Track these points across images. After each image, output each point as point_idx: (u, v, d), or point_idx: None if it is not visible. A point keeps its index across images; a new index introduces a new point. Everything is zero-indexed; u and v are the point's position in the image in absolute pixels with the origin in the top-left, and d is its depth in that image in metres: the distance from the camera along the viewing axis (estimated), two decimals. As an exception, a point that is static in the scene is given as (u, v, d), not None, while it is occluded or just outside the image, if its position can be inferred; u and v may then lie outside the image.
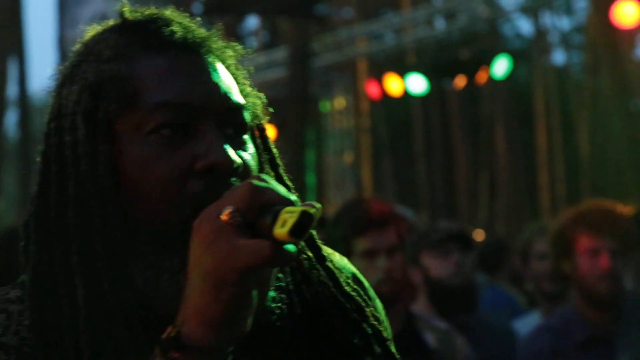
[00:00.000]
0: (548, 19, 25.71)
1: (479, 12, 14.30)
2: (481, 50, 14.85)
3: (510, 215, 24.86)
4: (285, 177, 1.44)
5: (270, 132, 1.48)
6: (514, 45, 29.53)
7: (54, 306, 1.28)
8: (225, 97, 1.33)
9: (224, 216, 1.15)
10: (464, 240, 4.44)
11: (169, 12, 1.40)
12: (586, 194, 23.91)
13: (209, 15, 13.13)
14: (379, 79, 14.90)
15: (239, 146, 1.32)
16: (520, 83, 25.55)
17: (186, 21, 1.40)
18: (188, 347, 1.16)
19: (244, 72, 1.42)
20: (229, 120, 1.33)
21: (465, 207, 25.30)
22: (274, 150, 1.45)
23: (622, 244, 3.70)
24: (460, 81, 14.32)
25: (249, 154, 1.34)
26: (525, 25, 28.49)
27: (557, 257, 3.89)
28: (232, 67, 1.40)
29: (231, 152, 1.28)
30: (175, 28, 1.36)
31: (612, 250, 3.68)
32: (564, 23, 29.05)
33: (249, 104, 1.37)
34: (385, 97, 15.16)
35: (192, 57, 1.35)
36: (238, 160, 1.29)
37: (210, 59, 1.36)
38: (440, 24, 15.62)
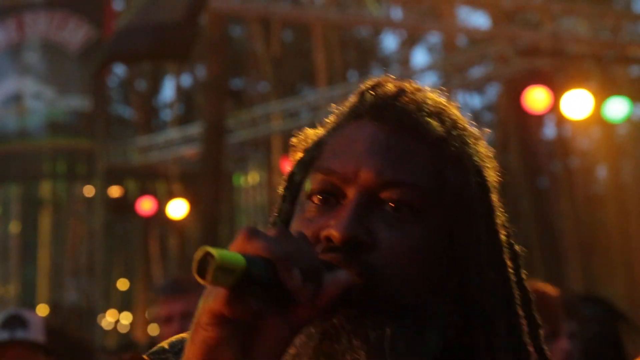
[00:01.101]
0: (460, 96, 26.18)
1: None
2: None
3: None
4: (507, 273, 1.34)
5: (499, 218, 1.36)
6: (426, 122, 30.01)
7: None
8: (377, 172, 1.27)
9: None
10: None
11: (403, 85, 1.36)
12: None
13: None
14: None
15: (393, 224, 1.25)
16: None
17: (413, 91, 1.35)
18: None
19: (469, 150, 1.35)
20: (383, 197, 1.27)
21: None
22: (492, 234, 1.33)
23: (551, 328, 3.70)
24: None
25: (406, 234, 1.25)
26: (437, 103, 28.91)
27: None
28: (427, 142, 1.31)
29: (350, 227, 1.23)
30: (370, 95, 1.35)
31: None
32: (475, 101, 29.63)
33: (416, 182, 1.27)
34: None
35: (373, 128, 1.31)
36: (352, 235, 1.22)
37: (398, 131, 1.30)
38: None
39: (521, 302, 1.35)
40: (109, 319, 21.25)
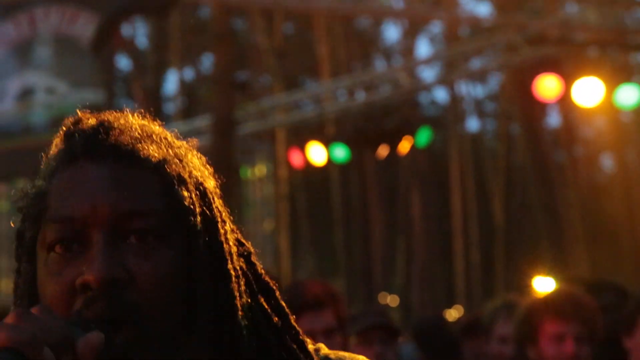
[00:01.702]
0: (463, 86, 26.18)
1: (399, 84, 14.47)
2: (403, 121, 14.99)
3: (424, 280, 25.02)
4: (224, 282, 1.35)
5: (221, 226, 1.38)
6: (430, 112, 29.96)
7: None
8: (112, 205, 1.27)
9: None
10: (387, 331, 4.43)
11: (103, 117, 1.36)
12: (500, 260, 24.22)
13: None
14: (299, 147, 14.95)
15: (143, 254, 1.27)
16: (435, 150, 25.88)
17: (116, 121, 1.36)
18: None
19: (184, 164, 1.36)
20: (126, 228, 1.27)
21: (382, 273, 25.38)
22: (216, 252, 1.35)
23: (587, 329, 3.71)
24: (382, 151, 14.43)
25: (158, 261, 1.27)
26: (440, 93, 28.92)
27: (521, 342, 3.89)
28: (150, 168, 1.32)
29: (104, 268, 1.23)
30: (81, 134, 1.34)
31: (577, 336, 3.69)
32: (478, 91, 29.62)
33: (151, 207, 1.29)
34: (306, 164, 15.21)
35: (93, 166, 1.31)
36: (108, 275, 1.23)
37: (118, 164, 1.31)
38: (361, 94, 15.75)
39: (264, 296, 1.39)
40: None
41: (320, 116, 16.54)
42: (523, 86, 14.33)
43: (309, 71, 25.74)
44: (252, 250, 1.43)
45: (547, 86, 11.28)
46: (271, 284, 1.41)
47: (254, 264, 1.41)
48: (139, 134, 1.35)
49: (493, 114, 29.89)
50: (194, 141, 1.43)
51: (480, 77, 24.45)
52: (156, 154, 1.33)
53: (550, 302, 3.80)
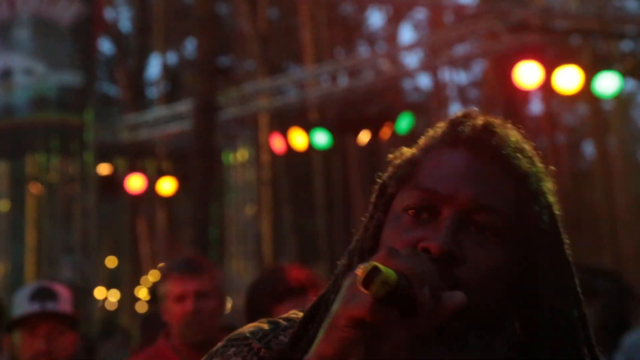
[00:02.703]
0: (446, 73, 26.19)
1: (382, 70, 14.48)
2: (385, 107, 15.03)
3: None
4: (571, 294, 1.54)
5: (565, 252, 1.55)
6: (413, 99, 29.97)
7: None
8: (473, 195, 1.44)
9: (358, 271, 1.25)
10: None
11: (490, 120, 1.53)
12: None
13: None
14: (282, 132, 14.95)
15: (479, 244, 1.43)
16: (418, 136, 25.84)
17: (499, 127, 1.53)
18: None
19: (541, 183, 1.53)
20: (473, 218, 1.44)
21: (364, 258, 25.40)
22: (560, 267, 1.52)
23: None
24: (364, 137, 14.45)
25: (490, 253, 1.43)
26: (423, 79, 28.93)
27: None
28: (520, 175, 1.49)
29: (448, 242, 1.40)
30: (469, 127, 1.51)
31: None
32: (461, 77, 29.65)
33: (503, 209, 1.45)
34: (288, 150, 15.21)
35: (470, 157, 1.48)
36: (449, 249, 1.39)
37: (491, 164, 1.48)
38: (343, 80, 15.75)
39: (576, 308, 1.54)
40: (97, 296, 21.27)
41: (303, 101, 16.54)
42: (505, 73, 14.34)
43: (292, 56, 25.71)
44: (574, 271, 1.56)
45: (527, 73, 11.31)
46: (581, 297, 1.54)
47: (574, 280, 1.54)
48: (514, 145, 1.50)
49: (476, 101, 29.92)
50: (551, 169, 1.60)
51: (463, 64, 24.47)
52: (523, 167, 1.49)
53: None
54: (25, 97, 14.82)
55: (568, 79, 11.04)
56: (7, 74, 14.47)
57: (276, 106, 16.61)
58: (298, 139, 14.28)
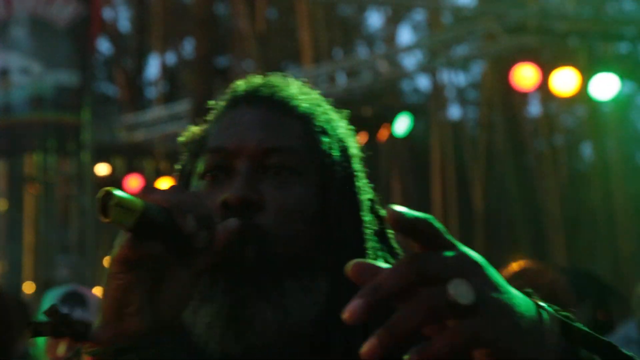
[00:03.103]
0: (445, 74, 26.19)
1: (380, 71, 14.48)
2: (383, 108, 15.02)
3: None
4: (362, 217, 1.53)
5: (360, 175, 1.58)
6: (412, 100, 29.97)
7: None
8: (259, 141, 1.47)
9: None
10: None
11: (269, 77, 1.60)
12: (480, 248, 24.29)
13: None
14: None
15: (277, 186, 1.46)
16: (416, 137, 25.91)
17: (277, 80, 1.59)
18: (90, 341, 1.25)
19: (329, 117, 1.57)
20: (266, 163, 1.47)
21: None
22: (355, 190, 1.54)
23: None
24: (362, 138, 14.43)
25: (289, 193, 1.45)
26: (422, 81, 28.95)
27: None
28: (298, 116, 1.53)
29: (242, 190, 1.42)
30: (246, 86, 1.58)
31: None
32: (460, 79, 29.64)
33: (292, 147, 1.49)
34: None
35: (250, 110, 1.53)
36: (245, 196, 1.41)
37: (271, 111, 1.52)
38: (341, 81, 15.75)
39: (390, 255, 1.54)
40: (94, 297, 21.31)
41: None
42: (504, 75, 14.35)
43: (291, 57, 25.69)
44: (384, 215, 1.52)
45: (524, 75, 11.32)
46: (399, 249, 1.55)
47: (385, 226, 1.56)
48: (294, 91, 1.57)
49: (475, 102, 29.92)
50: (344, 113, 1.64)
51: (462, 65, 24.48)
52: (304, 106, 1.55)
53: (515, 280, 3.80)
54: (22, 97, 14.81)
55: (565, 81, 11.04)
56: (4, 73, 14.46)
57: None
58: (295, 139, 14.28)
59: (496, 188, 24.90)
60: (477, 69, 28.00)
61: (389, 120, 13.85)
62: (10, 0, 14.28)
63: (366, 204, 1.55)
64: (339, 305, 1.34)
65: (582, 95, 11.94)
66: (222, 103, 1.60)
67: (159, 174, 15.96)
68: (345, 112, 1.63)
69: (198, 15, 15.35)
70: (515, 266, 3.93)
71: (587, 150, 27.80)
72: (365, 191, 1.57)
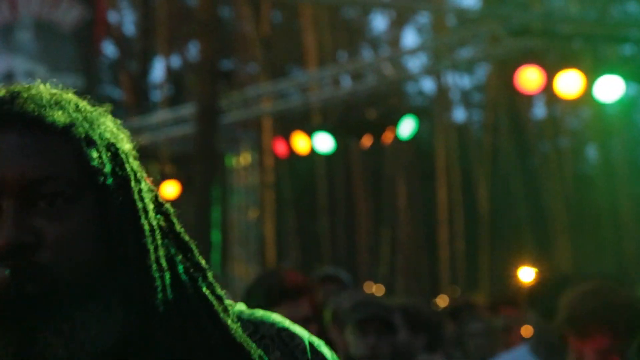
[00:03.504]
0: (450, 77, 26.21)
1: (385, 74, 14.48)
2: (388, 111, 15.01)
3: (409, 269, 25.08)
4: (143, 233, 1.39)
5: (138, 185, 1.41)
6: (416, 103, 29.98)
7: None
8: (21, 172, 1.30)
9: None
10: (384, 323, 4.45)
11: (10, 88, 1.40)
12: (485, 250, 24.30)
13: None
14: (284, 136, 14.95)
15: (52, 218, 1.30)
16: (421, 140, 25.91)
17: (25, 89, 1.39)
18: None
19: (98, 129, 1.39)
20: (35, 195, 1.31)
21: (366, 262, 25.43)
22: (134, 210, 1.39)
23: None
24: (366, 141, 14.45)
25: (66, 224, 1.31)
26: (427, 83, 28.94)
27: None
28: (61, 133, 1.35)
29: (11, 233, 1.27)
30: None
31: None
32: (465, 81, 29.64)
33: (59, 171, 1.32)
34: (291, 154, 15.21)
35: (1, 135, 1.33)
36: (16, 241, 1.27)
37: (26, 130, 1.33)
38: (346, 83, 15.76)
39: (182, 253, 1.43)
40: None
41: (305, 105, 16.54)
42: (508, 77, 14.34)
43: (295, 60, 25.71)
44: (171, 210, 1.46)
45: (529, 78, 11.31)
46: (189, 242, 1.45)
47: (172, 222, 1.45)
48: (46, 101, 1.36)
49: (480, 105, 29.92)
50: (108, 106, 1.46)
51: (467, 67, 24.49)
52: (62, 119, 1.34)
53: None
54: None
55: (570, 83, 11.04)
56: (9, 76, 14.50)
57: (279, 110, 16.61)
58: (301, 142, 14.28)
59: (501, 190, 24.89)
60: (482, 71, 28.02)
61: (394, 122, 13.83)
62: (15, 3, 14.31)
63: (149, 205, 1.41)
64: (136, 332, 1.34)
65: (587, 97, 11.93)
66: None
67: (164, 177, 15.99)
68: (107, 104, 1.45)
69: (203, 18, 15.36)
70: (587, 285, 3.86)
71: (591, 152, 27.81)
72: (145, 190, 1.42)
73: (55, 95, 1.39)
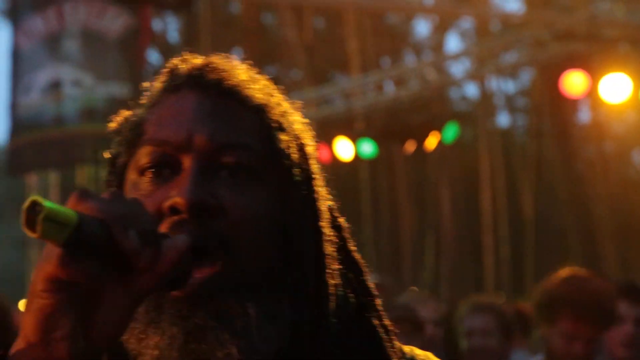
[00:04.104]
0: (493, 82, 26.09)
1: (428, 79, 14.47)
2: (431, 116, 15.00)
3: (454, 276, 24.98)
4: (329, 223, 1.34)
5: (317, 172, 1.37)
6: (460, 108, 29.87)
7: None
8: (210, 135, 1.25)
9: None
10: (412, 324, 4.48)
11: (210, 58, 1.36)
12: (530, 256, 24.15)
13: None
14: (328, 142, 14.97)
15: (234, 189, 1.23)
16: (465, 145, 25.82)
17: (221, 62, 1.35)
18: None
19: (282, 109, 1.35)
20: (221, 161, 1.25)
21: (410, 268, 25.38)
22: (314, 196, 1.33)
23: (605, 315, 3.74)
24: (410, 146, 14.43)
25: (250, 197, 1.24)
26: (471, 89, 28.84)
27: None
28: (251, 107, 1.31)
29: (194, 191, 1.19)
30: (186, 69, 1.33)
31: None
32: (509, 86, 29.49)
33: (249, 143, 1.27)
34: (334, 160, 15.22)
35: (195, 96, 1.29)
36: (199, 199, 1.19)
37: (221, 98, 1.30)
38: (390, 89, 15.75)
39: (353, 272, 1.35)
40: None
41: (349, 111, 16.55)
42: (553, 82, 14.27)
43: (338, 66, 25.73)
44: (345, 224, 1.40)
45: (574, 82, 11.25)
46: (361, 263, 1.38)
47: (345, 239, 1.38)
48: (244, 77, 1.34)
49: (524, 110, 29.75)
50: (298, 103, 1.42)
51: (510, 72, 24.38)
52: (260, 96, 1.32)
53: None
54: (74, 108, 15.01)
55: (615, 87, 10.96)
56: (57, 85, 14.67)
57: (322, 116, 16.63)
58: (344, 148, 14.29)
59: (546, 196, 24.73)
60: (526, 76, 27.83)
61: (438, 128, 13.81)
62: (62, 13, 14.48)
63: (325, 213, 1.34)
64: (304, 336, 1.25)
65: (633, 101, 11.85)
66: (158, 85, 1.35)
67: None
68: (297, 102, 1.42)
69: (246, 26, 15.44)
70: (563, 272, 3.93)
71: (637, 157, 27.55)
72: (324, 197, 1.36)
73: (252, 76, 1.36)
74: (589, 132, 24.25)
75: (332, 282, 1.29)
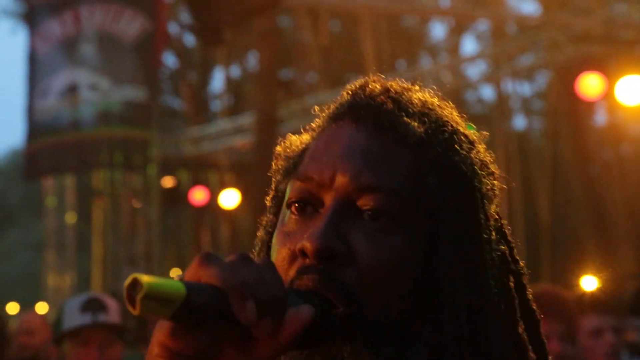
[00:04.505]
0: (509, 84, 26.04)
1: (444, 81, 14.46)
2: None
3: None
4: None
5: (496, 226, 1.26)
6: (476, 111, 29.81)
7: None
8: (354, 175, 1.18)
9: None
10: None
11: (390, 84, 1.30)
12: (546, 259, 24.08)
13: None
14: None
15: (371, 234, 1.16)
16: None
17: (400, 90, 1.29)
18: None
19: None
20: (362, 203, 1.17)
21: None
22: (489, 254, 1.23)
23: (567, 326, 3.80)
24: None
25: (385, 245, 1.16)
26: (487, 91, 28.77)
27: None
28: (408, 145, 1.22)
29: (323, 237, 1.13)
30: (359, 96, 1.27)
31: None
32: (525, 89, 29.42)
33: (395, 187, 1.18)
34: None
35: (353, 129, 1.22)
36: (327, 246, 1.13)
37: (378, 133, 1.22)
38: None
39: (526, 325, 1.26)
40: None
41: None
42: (569, 84, 14.25)
43: (354, 68, 25.72)
44: (524, 271, 1.30)
45: (590, 85, 11.23)
46: (537, 315, 1.28)
47: (523, 286, 1.28)
48: (414, 109, 1.26)
49: (540, 112, 29.67)
50: (485, 134, 1.34)
51: (527, 75, 24.32)
52: (417, 133, 1.22)
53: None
54: (90, 112, 15.06)
55: (631, 89, 10.93)
56: (73, 89, 14.72)
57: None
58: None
59: (562, 199, 24.66)
60: (542, 78, 27.78)
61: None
62: (79, 17, 14.53)
63: (491, 264, 1.22)
64: None
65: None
66: (327, 111, 1.29)
67: (223, 185, 16.09)
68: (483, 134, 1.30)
69: (262, 28, 15.44)
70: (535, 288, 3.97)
71: (655, 159, 27.42)
72: (493, 247, 1.23)
73: (428, 106, 1.29)
74: (606, 134, 24.17)
75: (495, 328, 1.19)
